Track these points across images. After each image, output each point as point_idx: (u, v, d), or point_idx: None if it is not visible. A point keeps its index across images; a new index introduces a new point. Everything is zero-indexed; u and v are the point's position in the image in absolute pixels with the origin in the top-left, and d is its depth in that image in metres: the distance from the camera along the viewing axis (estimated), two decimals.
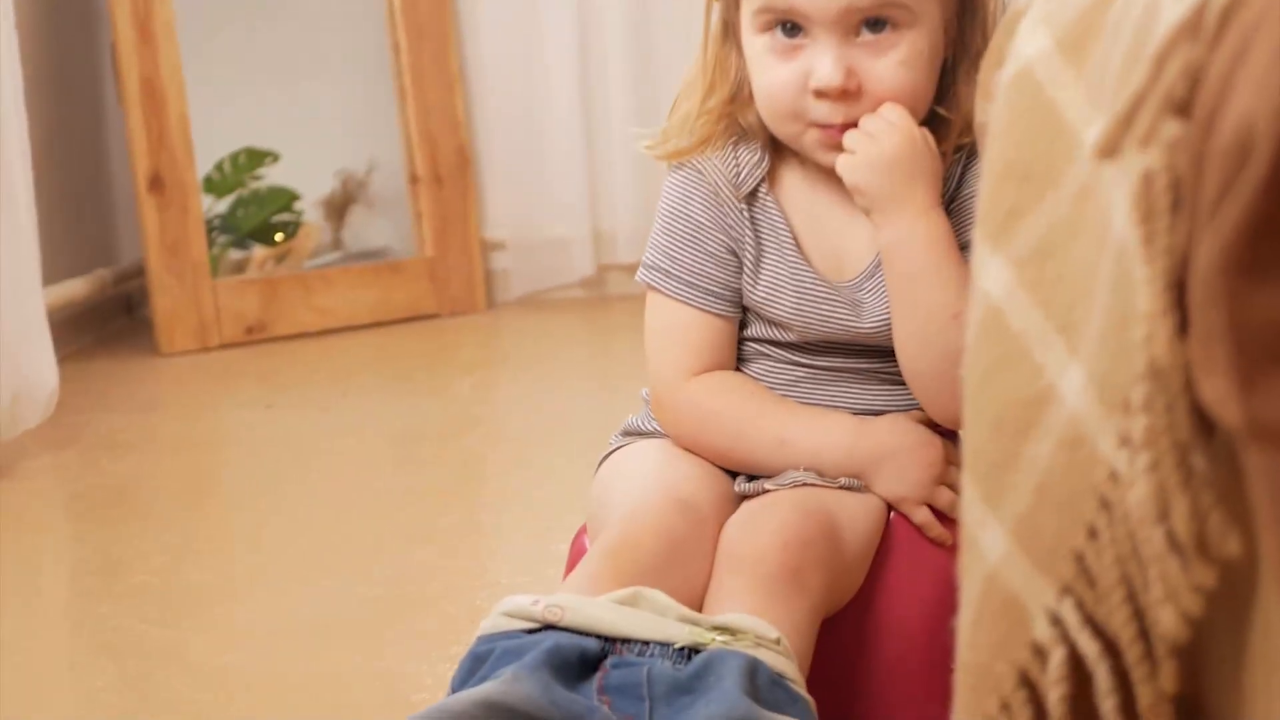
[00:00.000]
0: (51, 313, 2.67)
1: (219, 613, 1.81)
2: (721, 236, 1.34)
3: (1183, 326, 0.66)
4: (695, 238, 1.34)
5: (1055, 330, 0.78)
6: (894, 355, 1.34)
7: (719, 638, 1.12)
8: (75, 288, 3.20)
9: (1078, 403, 0.74)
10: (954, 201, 1.33)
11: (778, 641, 1.13)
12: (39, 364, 2.47)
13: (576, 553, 1.40)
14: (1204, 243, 0.58)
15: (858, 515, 1.27)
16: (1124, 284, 0.71)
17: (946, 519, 1.29)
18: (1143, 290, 0.67)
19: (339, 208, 3.76)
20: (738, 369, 1.37)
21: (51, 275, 2.96)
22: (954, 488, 1.30)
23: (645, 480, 1.31)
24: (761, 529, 1.23)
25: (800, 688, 1.12)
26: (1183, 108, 0.64)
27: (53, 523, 2.24)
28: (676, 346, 1.35)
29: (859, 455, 1.30)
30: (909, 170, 1.27)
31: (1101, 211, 0.75)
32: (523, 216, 3.68)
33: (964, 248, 1.30)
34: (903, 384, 1.34)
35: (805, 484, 1.29)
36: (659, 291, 1.36)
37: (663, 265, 1.35)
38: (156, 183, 3.26)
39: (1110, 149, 0.65)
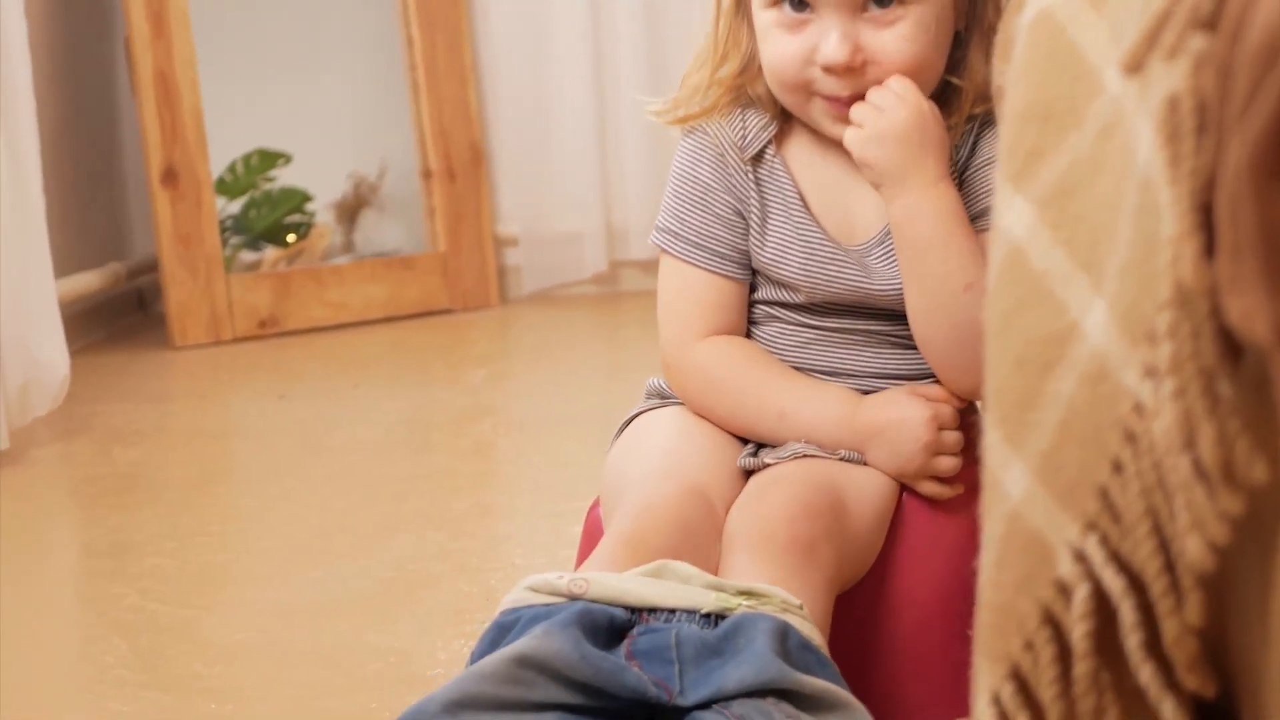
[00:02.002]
0: (64, 306, 2.67)
1: (231, 593, 1.80)
2: (728, 198, 1.34)
3: (1208, 251, 0.65)
4: (703, 200, 1.35)
5: (1078, 268, 0.77)
6: (905, 319, 1.33)
7: (745, 602, 1.11)
8: (88, 280, 3.20)
9: (1101, 337, 0.73)
10: (967, 170, 1.32)
11: (801, 608, 1.12)
12: (50, 351, 2.47)
13: (591, 524, 1.39)
14: (1232, 147, 0.57)
15: (865, 488, 1.27)
16: (1149, 213, 0.70)
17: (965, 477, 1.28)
18: (1168, 213, 0.67)
19: (351, 211, 3.76)
20: (749, 333, 1.37)
21: (64, 268, 2.96)
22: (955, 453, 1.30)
23: (659, 464, 1.31)
24: (768, 504, 1.23)
25: (825, 654, 1.11)
26: (1209, 22, 0.63)
27: (63, 507, 2.24)
28: (684, 308, 1.35)
29: (855, 431, 1.30)
30: (917, 143, 1.27)
31: (1125, 148, 0.74)
32: (535, 212, 3.68)
33: (980, 216, 1.29)
34: (914, 348, 1.34)
35: (805, 455, 1.28)
36: (668, 253, 1.36)
37: (672, 227, 1.36)
38: (170, 176, 3.26)
39: (1136, 64, 0.64)
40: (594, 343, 3.35)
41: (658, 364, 1.40)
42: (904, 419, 1.29)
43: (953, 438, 1.29)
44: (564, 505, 1.98)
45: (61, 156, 3.17)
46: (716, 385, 1.34)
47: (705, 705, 1.03)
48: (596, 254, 3.67)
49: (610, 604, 1.11)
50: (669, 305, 1.37)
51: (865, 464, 1.29)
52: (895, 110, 1.26)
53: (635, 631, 1.10)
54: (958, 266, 1.26)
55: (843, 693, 1.07)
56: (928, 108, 1.28)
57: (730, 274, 1.35)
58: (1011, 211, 0.80)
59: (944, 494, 1.29)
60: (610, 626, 1.10)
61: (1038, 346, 0.77)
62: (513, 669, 1.04)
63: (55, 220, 2.66)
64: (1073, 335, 0.75)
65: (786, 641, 1.07)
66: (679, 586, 1.12)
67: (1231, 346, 0.67)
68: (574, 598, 1.11)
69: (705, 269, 1.35)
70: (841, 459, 1.29)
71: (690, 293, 1.35)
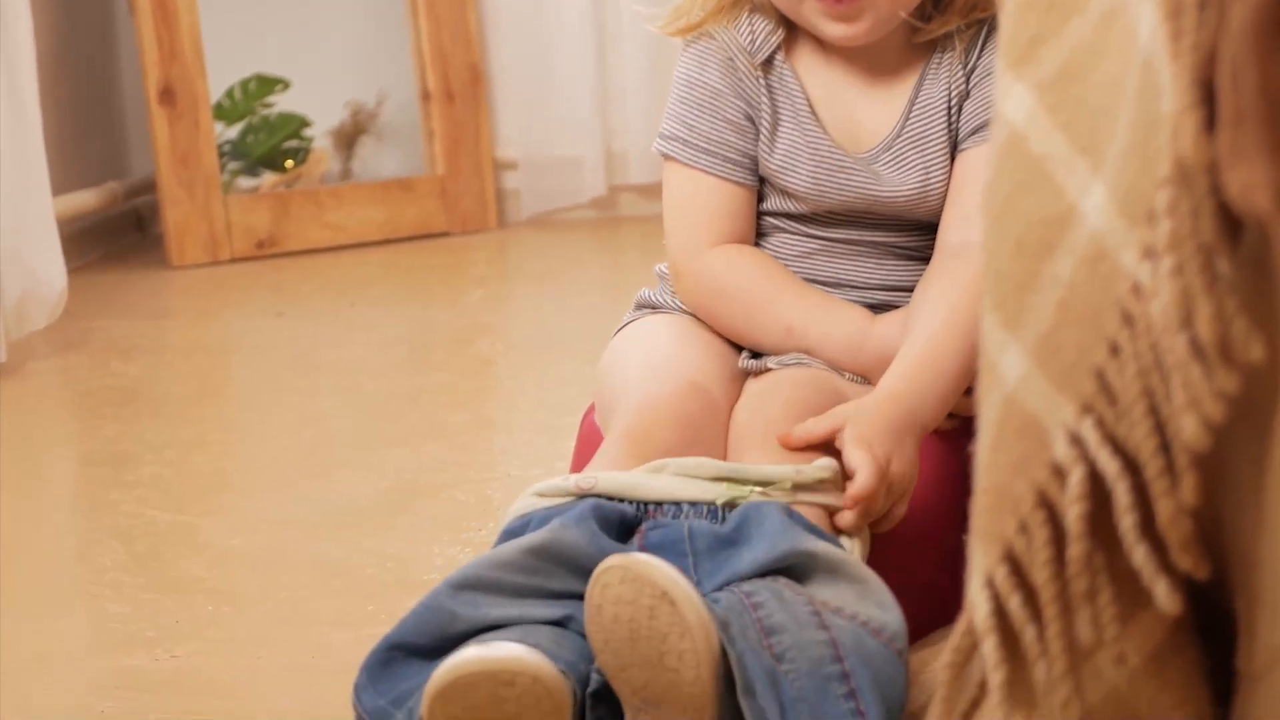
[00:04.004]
0: (62, 225, 2.66)
1: (230, 500, 1.81)
2: (739, 103, 1.32)
3: (1209, 127, 0.65)
4: (713, 104, 1.33)
5: (1078, 151, 0.77)
6: (910, 229, 1.33)
7: (756, 489, 1.12)
8: (86, 199, 3.19)
9: (1099, 219, 0.73)
10: (974, 75, 1.32)
11: (824, 477, 1.13)
12: (47, 264, 2.46)
13: (586, 431, 1.40)
14: (1234, 12, 0.57)
15: (862, 391, 1.26)
16: (1150, 94, 0.70)
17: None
18: (1169, 90, 0.66)
19: (349, 138, 3.74)
20: (756, 243, 1.36)
21: (62, 187, 2.95)
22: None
23: (658, 364, 1.30)
24: (771, 404, 1.23)
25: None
26: None
27: (62, 418, 2.25)
28: (693, 215, 1.34)
29: (864, 355, 1.29)
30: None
31: (1127, 30, 0.74)
32: (535, 136, 3.66)
33: (985, 127, 1.29)
34: (918, 260, 1.33)
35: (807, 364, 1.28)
36: (676, 161, 1.34)
37: (679, 134, 1.34)
38: (168, 95, 3.25)
39: None
40: (592, 266, 3.34)
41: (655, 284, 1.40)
42: None
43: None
44: (562, 420, 1.98)
45: (59, 74, 3.16)
46: (727, 295, 1.33)
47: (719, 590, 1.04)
48: (596, 178, 3.66)
49: (619, 498, 1.12)
50: (677, 213, 1.35)
51: (866, 385, 1.29)
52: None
53: (645, 527, 1.10)
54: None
55: (858, 562, 1.08)
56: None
57: (741, 180, 1.33)
58: (1011, 98, 0.80)
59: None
60: (621, 522, 1.10)
61: (1037, 230, 0.77)
62: (528, 559, 1.05)
63: (52, 138, 2.65)
64: (1072, 218, 0.75)
65: (793, 518, 1.08)
66: (688, 480, 1.13)
67: (1230, 225, 0.67)
68: (582, 495, 1.12)
69: (716, 175, 1.33)
70: (846, 379, 1.29)
71: (699, 200, 1.34)
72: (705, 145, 1.33)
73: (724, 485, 1.12)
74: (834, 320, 1.30)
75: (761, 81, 1.32)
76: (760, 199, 1.35)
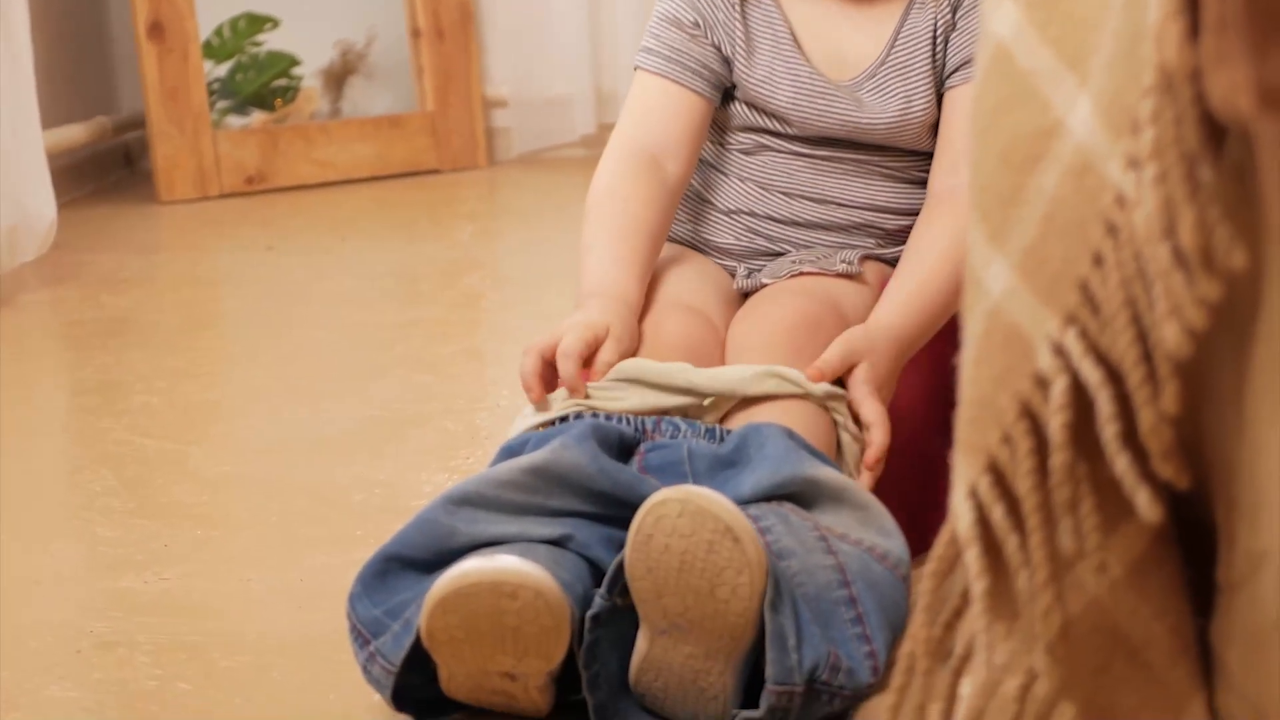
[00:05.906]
0: (52, 159, 2.66)
1: (219, 429, 1.81)
2: (706, 36, 1.34)
3: (1193, 34, 0.66)
4: (679, 27, 1.35)
5: (1065, 66, 0.77)
6: (896, 152, 1.34)
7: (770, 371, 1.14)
8: (75, 133, 3.18)
9: (1085, 131, 0.74)
10: (959, 10, 1.32)
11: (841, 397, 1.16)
12: (37, 196, 2.46)
13: None
14: None
15: (858, 302, 1.27)
16: (1135, 4, 0.70)
17: None
18: None
19: (338, 78, 3.73)
20: (742, 163, 1.36)
21: (52, 120, 2.94)
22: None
23: (656, 292, 1.31)
24: (767, 317, 1.24)
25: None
26: None
27: (52, 349, 2.25)
28: (630, 115, 1.36)
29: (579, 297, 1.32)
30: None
31: None
32: (525, 74, 3.66)
33: (969, 63, 1.29)
34: (903, 181, 1.34)
35: (801, 273, 1.29)
36: (641, 70, 1.36)
37: (647, 46, 1.37)
38: (156, 29, 3.23)
39: None
40: (582, 204, 3.32)
41: None
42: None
43: None
44: None
45: (49, 8, 3.15)
46: (589, 210, 1.37)
47: None
48: (586, 116, 3.66)
49: (638, 411, 1.13)
50: (622, 114, 1.38)
51: (859, 277, 1.30)
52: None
53: (644, 448, 1.11)
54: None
55: (860, 488, 1.09)
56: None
57: (687, 84, 1.34)
58: (999, 13, 0.80)
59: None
60: (620, 442, 1.11)
61: (1023, 143, 0.77)
62: (528, 478, 1.06)
63: (42, 72, 2.64)
64: (1058, 131, 0.75)
65: (794, 440, 1.09)
66: (663, 395, 1.14)
67: (1214, 133, 0.67)
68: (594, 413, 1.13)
69: (667, 78, 1.35)
70: (840, 274, 1.29)
71: (641, 99, 1.36)
72: (666, 54, 1.34)
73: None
74: (592, 271, 1.31)
75: (736, 12, 1.33)
76: (746, 120, 1.36)
